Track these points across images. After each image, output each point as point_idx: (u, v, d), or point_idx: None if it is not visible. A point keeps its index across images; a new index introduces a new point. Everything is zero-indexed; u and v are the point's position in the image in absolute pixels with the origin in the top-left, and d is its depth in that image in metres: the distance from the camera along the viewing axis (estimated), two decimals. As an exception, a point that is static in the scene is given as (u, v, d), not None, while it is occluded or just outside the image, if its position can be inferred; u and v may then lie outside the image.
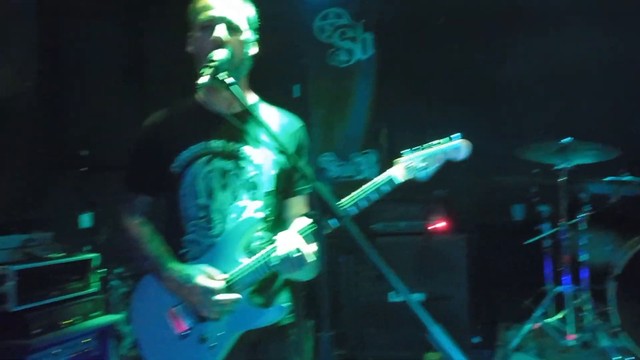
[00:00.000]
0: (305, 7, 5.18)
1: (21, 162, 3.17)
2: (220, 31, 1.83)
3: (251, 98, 2.00)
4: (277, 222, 1.95)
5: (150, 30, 4.89)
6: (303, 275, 1.79)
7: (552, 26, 4.70)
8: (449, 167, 5.27)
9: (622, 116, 4.46)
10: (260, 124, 1.68)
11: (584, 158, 3.80)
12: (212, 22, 1.84)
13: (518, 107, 4.79)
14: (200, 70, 1.74)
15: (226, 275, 1.80)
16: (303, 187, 2.00)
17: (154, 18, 4.85)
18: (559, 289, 3.73)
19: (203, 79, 1.71)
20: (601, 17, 4.53)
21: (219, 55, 1.78)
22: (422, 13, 5.00)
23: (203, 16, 1.86)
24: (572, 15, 4.61)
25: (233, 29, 1.86)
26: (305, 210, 1.97)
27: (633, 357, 3.28)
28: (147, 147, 1.95)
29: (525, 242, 4.08)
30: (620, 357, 3.26)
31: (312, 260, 1.73)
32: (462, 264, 4.28)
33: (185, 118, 1.95)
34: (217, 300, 1.76)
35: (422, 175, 1.78)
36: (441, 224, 4.43)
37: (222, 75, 1.74)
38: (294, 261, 1.71)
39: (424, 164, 1.77)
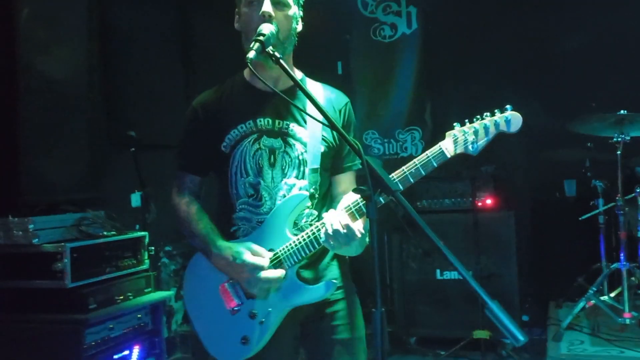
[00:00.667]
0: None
1: (76, 143, 3.24)
2: (267, 6, 1.82)
3: (297, 74, 1.98)
4: (325, 198, 1.96)
5: (196, 9, 4.90)
6: (351, 250, 1.78)
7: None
8: (497, 142, 5.14)
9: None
10: (309, 98, 1.65)
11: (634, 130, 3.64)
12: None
13: (569, 81, 4.60)
14: (247, 46, 1.74)
15: (272, 253, 1.82)
16: (352, 163, 1.99)
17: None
18: (614, 266, 3.61)
19: (251, 53, 1.70)
20: None
21: (267, 29, 1.76)
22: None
23: None
24: None
25: (279, 3, 1.85)
26: (353, 186, 1.96)
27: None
28: (195, 126, 1.95)
29: (581, 218, 3.95)
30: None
31: (359, 235, 1.72)
32: (511, 241, 4.20)
33: (233, 97, 1.95)
34: (263, 278, 1.77)
35: (473, 148, 1.72)
36: (489, 201, 4.34)
37: (271, 50, 1.72)
38: (342, 237, 1.71)
39: (474, 137, 1.71)
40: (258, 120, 1.89)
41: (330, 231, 1.71)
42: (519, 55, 4.76)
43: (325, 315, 1.91)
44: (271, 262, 1.81)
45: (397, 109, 5.10)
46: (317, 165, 1.90)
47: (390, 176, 1.74)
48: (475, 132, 1.71)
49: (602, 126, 3.67)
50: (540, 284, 4.54)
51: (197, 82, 4.69)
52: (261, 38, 1.73)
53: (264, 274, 1.78)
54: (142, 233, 3.09)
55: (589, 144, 3.98)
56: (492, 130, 1.71)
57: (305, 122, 1.91)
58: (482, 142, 1.71)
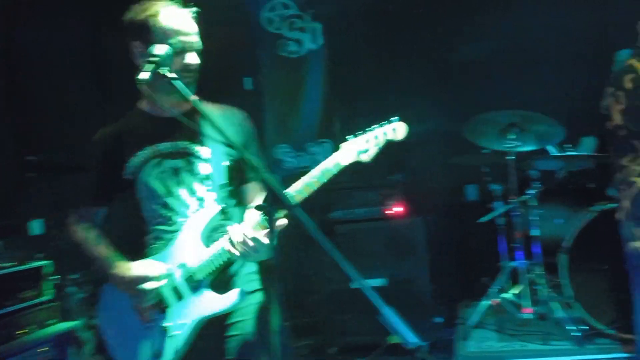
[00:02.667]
0: (251, -1, 5.15)
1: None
2: (194, 58, 1.93)
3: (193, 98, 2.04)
4: (237, 210, 2.02)
5: (111, 28, 4.77)
6: (262, 257, 1.86)
7: (504, 9, 4.79)
8: (404, 151, 5.31)
9: (570, 96, 4.57)
10: (206, 118, 1.69)
11: (530, 139, 3.91)
12: (185, 49, 1.91)
13: (470, 90, 4.86)
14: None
15: (168, 266, 1.88)
16: (254, 176, 2.06)
17: (117, 19, 4.74)
18: (513, 264, 3.84)
19: (143, 74, 1.70)
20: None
21: (160, 50, 1.77)
22: (374, 0, 5.03)
23: (175, 41, 1.89)
24: None
25: (200, 53, 1.96)
26: (261, 195, 2.02)
27: (587, 327, 3.40)
28: (95, 160, 2.01)
29: (479, 221, 4.16)
30: (574, 327, 3.37)
31: (264, 245, 1.80)
32: (421, 246, 4.35)
33: (132, 127, 2.02)
34: (149, 289, 1.85)
35: (365, 157, 1.86)
36: (398, 209, 4.49)
37: (164, 70, 1.74)
38: (249, 247, 1.80)
39: (366, 146, 1.85)
40: (158, 146, 1.97)
41: (236, 243, 1.80)
42: (421, 67, 4.98)
43: (239, 321, 1.94)
44: (183, 277, 1.87)
45: (308, 122, 5.18)
46: (224, 180, 1.96)
47: (289, 189, 1.84)
48: (367, 142, 1.85)
49: (495, 132, 3.89)
50: (451, 286, 4.73)
51: (114, 103, 4.57)
52: (155, 59, 1.74)
53: (148, 284, 1.84)
54: (42, 263, 2.96)
55: (485, 150, 4.20)
56: (381, 138, 1.85)
57: (209, 138, 1.96)
58: (373, 150, 1.85)
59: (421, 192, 4.86)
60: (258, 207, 1.82)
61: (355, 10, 5.01)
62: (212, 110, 2.03)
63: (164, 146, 1.96)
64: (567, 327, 3.39)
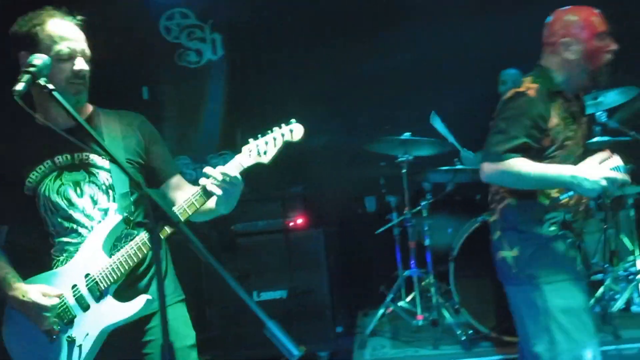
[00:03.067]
0: (150, 7, 5.03)
1: None
2: (83, 64, 1.92)
3: (88, 108, 2.06)
4: (143, 216, 2.02)
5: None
6: (236, 192, 1.96)
7: (406, 27, 4.98)
8: (304, 163, 5.35)
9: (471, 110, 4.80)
10: (89, 131, 1.66)
11: (422, 150, 4.10)
12: (73, 55, 1.91)
13: (370, 104, 5.02)
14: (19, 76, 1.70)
15: (72, 281, 1.88)
16: (170, 171, 2.10)
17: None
18: (406, 273, 3.99)
19: (19, 85, 1.65)
20: (456, 17, 4.84)
21: (38, 60, 1.71)
22: (274, 12, 5.07)
23: (62, 47, 1.89)
24: (428, 15, 4.89)
25: (88, 60, 1.96)
26: (184, 185, 2.09)
27: (472, 331, 3.59)
28: None
29: (377, 232, 4.29)
30: (460, 332, 3.55)
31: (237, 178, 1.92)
32: (321, 257, 4.41)
33: (28, 141, 1.98)
34: (45, 314, 1.85)
35: (265, 158, 1.93)
36: (300, 220, 4.54)
37: (42, 80, 1.68)
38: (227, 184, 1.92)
39: (265, 147, 1.92)
40: (56, 158, 1.95)
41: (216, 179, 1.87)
42: (325, 79, 5.06)
43: (142, 332, 1.97)
44: (88, 287, 1.87)
45: (208, 133, 5.13)
46: (126, 189, 1.96)
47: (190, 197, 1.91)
48: (266, 143, 1.92)
49: (390, 147, 4.05)
50: (350, 296, 4.84)
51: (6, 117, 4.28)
52: (32, 69, 1.68)
53: (42, 312, 1.84)
54: None
55: (382, 163, 4.35)
56: (280, 140, 1.92)
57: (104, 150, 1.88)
58: (272, 150, 1.93)
59: (321, 203, 4.95)
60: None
61: (256, 22, 5.04)
62: (109, 115, 2.05)
63: (62, 158, 1.95)
64: (457, 332, 3.57)
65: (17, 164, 1.93)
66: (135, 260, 1.88)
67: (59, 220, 1.92)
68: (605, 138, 3.92)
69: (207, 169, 1.91)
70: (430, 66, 4.84)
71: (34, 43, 1.87)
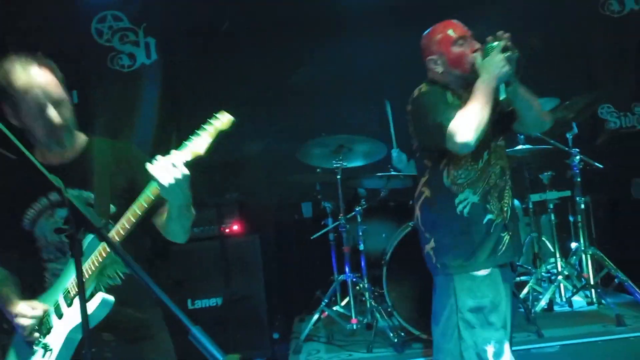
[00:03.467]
0: (81, 9, 4.89)
1: None
2: (53, 115, 1.89)
3: (81, 138, 2.07)
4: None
5: None
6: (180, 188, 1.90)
7: (344, 37, 5.07)
8: (240, 169, 5.31)
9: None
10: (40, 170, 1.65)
11: (357, 157, 4.18)
12: (43, 108, 1.87)
13: (306, 110, 5.07)
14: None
15: (46, 307, 1.96)
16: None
17: None
18: (341, 277, 4.03)
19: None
20: (384, 29, 4.99)
21: None
22: (210, 18, 5.04)
23: (30, 103, 1.87)
24: (358, 27, 5.03)
25: (58, 103, 1.92)
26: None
27: (404, 333, 3.67)
28: None
29: (312, 237, 4.32)
30: (393, 334, 3.62)
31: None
32: (258, 263, 4.40)
33: (25, 178, 1.91)
34: (28, 325, 1.94)
35: (201, 149, 1.91)
36: (236, 227, 4.52)
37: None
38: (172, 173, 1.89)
39: (201, 141, 1.92)
40: (50, 195, 1.98)
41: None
42: (261, 85, 5.10)
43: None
44: (62, 296, 1.93)
45: (142, 138, 5.01)
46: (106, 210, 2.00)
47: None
48: (199, 136, 1.91)
49: (324, 154, 4.09)
50: (288, 301, 4.85)
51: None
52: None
53: (23, 320, 1.93)
54: None
55: (318, 170, 4.39)
56: (211, 130, 1.91)
57: (93, 185, 2.00)
58: (206, 140, 1.92)
59: (258, 209, 4.94)
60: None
61: (192, 26, 5.00)
62: (103, 147, 2.09)
63: (55, 196, 1.97)
64: (389, 335, 3.63)
65: (16, 199, 1.98)
66: (95, 266, 1.90)
67: (52, 250, 1.99)
68: (528, 146, 4.13)
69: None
70: (367, 76, 4.95)
71: (7, 96, 1.89)
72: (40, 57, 1.95)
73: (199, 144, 1.90)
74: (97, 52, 4.98)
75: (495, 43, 2.27)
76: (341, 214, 4.04)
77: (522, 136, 4.13)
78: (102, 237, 1.56)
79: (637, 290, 3.83)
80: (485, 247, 2.34)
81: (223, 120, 1.95)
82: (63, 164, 1.98)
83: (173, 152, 1.90)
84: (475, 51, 2.37)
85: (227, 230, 4.49)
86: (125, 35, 5.02)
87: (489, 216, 2.35)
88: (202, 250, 4.34)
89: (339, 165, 3.98)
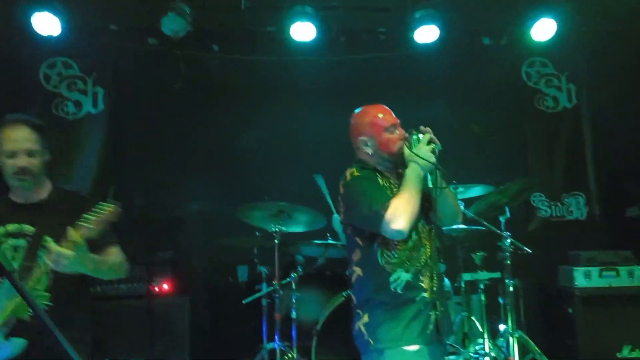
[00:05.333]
0: (31, 52, 4.85)
1: None
2: (23, 161, 2.52)
3: (47, 186, 2.67)
4: None
5: None
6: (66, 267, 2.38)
7: (289, 105, 5.19)
8: (175, 228, 5.22)
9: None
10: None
11: (297, 224, 4.18)
12: (15, 154, 2.52)
13: (249, 173, 5.09)
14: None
15: None
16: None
17: None
18: (269, 345, 3.94)
19: None
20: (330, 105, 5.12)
21: None
22: (160, 75, 5.09)
23: (7, 147, 2.52)
24: (307, 99, 5.20)
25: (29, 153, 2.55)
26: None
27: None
28: None
29: (244, 302, 4.23)
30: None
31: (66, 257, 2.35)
32: (184, 326, 4.30)
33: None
34: None
35: (91, 231, 2.32)
36: (166, 286, 4.39)
37: None
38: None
39: (92, 221, 2.32)
40: (7, 226, 2.53)
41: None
42: (205, 145, 5.12)
43: None
44: None
45: (80, 188, 4.87)
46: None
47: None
48: (92, 217, 2.35)
49: (263, 217, 4.09)
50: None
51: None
52: None
53: None
54: None
55: (257, 233, 4.36)
56: (96, 221, 2.35)
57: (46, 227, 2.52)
58: (95, 223, 2.34)
59: (192, 270, 4.83)
60: None
61: (142, 82, 5.03)
62: (65, 196, 2.68)
63: (12, 227, 2.54)
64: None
65: None
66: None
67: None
68: (463, 226, 4.25)
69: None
70: (309, 147, 5.06)
71: None
72: (31, 116, 2.57)
73: (91, 225, 2.29)
74: (43, 98, 4.91)
75: (421, 135, 2.45)
76: (275, 280, 3.99)
77: (457, 216, 4.25)
78: (11, 280, 1.54)
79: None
80: (417, 323, 2.39)
81: (109, 210, 2.34)
82: (27, 204, 2.58)
83: (52, 246, 2.31)
84: (403, 139, 2.51)
85: (156, 289, 4.35)
86: (74, 83, 4.98)
87: (422, 294, 2.41)
88: (130, 308, 4.20)
89: (277, 229, 3.97)
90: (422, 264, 2.45)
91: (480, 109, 5.56)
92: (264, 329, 4.29)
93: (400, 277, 2.40)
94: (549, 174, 5.60)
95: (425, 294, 2.42)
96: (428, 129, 2.49)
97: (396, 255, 2.41)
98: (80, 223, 2.31)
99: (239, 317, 4.72)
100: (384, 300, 2.41)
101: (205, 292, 4.87)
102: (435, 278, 2.49)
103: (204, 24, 4.97)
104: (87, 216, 2.32)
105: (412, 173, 2.43)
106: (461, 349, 4.17)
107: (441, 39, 5.31)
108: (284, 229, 4.03)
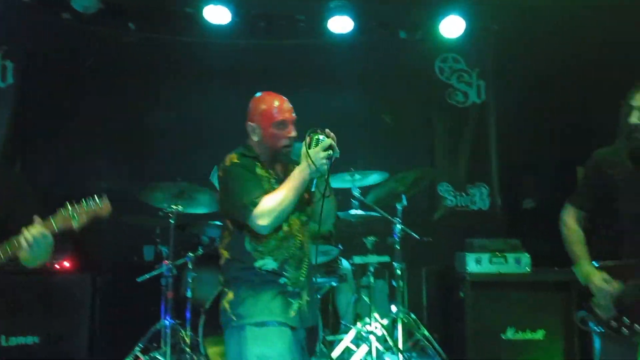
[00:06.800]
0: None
1: None
2: None
3: None
4: None
5: None
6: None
7: (200, 83, 5.22)
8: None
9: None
10: None
11: (199, 205, 4.26)
12: None
13: (155, 153, 5.12)
14: None
15: None
16: None
17: None
18: (162, 323, 4.02)
19: None
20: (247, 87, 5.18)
21: None
22: (72, 50, 5.04)
23: None
24: (217, 77, 5.24)
25: None
26: None
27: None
28: None
29: (138, 280, 4.28)
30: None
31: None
32: (85, 303, 4.32)
33: None
34: None
35: (75, 225, 2.31)
36: (66, 263, 4.40)
37: None
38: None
39: (77, 216, 2.33)
40: None
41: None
42: (113, 124, 5.10)
43: None
44: None
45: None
46: None
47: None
48: (78, 212, 2.32)
49: (165, 197, 4.14)
50: (111, 345, 4.69)
51: None
52: None
53: None
54: None
55: (160, 213, 4.40)
56: (91, 211, 2.32)
57: None
58: (83, 219, 2.34)
59: (98, 249, 4.84)
60: None
61: (54, 56, 4.97)
62: None
63: None
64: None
65: None
66: None
67: None
68: (360, 212, 4.43)
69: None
70: (216, 124, 5.11)
71: None
72: None
73: (77, 220, 2.24)
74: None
75: (322, 137, 2.44)
76: (169, 259, 4.07)
77: (356, 202, 4.43)
78: None
79: (437, 355, 4.15)
80: (278, 303, 2.48)
81: (104, 207, 2.29)
82: None
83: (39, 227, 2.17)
84: (290, 137, 2.54)
85: (56, 266, 4.36)
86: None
87: (283, 280, 2.50)
88: (29, 284, 4.17)
89: (173, 209, 4.04)
90: (290, 254, 2.52)
91: (393, 100, 5.75)
92: (162, 307, 4.36)
93: (266, 264, 2.48)
94: (455, 165, 5.86)
95: (288, 282, 2.50)
96: (332, 135, 2.46)
97: (264, 244, 2.48)
98: (64, 214, 2.20)
99: (142, 296, 4.77)
100: (249, 278, 2.49)
101: (110, 271, 4.90)
102: (303, 269, 2.56)
103: (121, 0, 4.96)
104: (74, 207, 2.22)
105: (298, 175, 2.44)
106: (351, 329, 4.36)
107: (357, 30, 5.47)
108: (181, 209, 4.09)
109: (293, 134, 2.56)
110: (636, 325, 2.52)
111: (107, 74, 5.10)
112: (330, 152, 2.42)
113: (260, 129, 2.55)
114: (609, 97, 2.69)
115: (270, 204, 2.40)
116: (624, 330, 2.55)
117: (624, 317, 2.55)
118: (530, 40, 5.54)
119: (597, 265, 2.64)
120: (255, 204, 2.39)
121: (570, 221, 2.79)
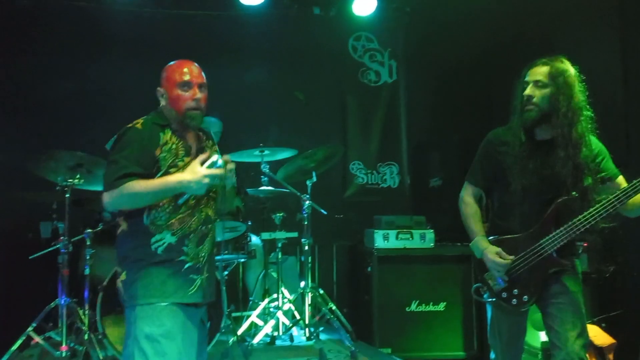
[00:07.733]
0: None
1: None
2: None
3: None
4: None
5: None
6: None
7: (105, 51, 4.96)
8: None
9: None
10: None
11: (99, 180, 4.05)
12: None
13: (54, 124, 4.83)
14: None
15: None
16: None
17: None
18: (57, 301, 3.83)
19: None
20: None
21: None
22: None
23: None
24: (122, 46, 5.03)
25: None
26: None
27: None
28: None
29: (30, 257, 4.05)
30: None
31: None
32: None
33: None
34: None
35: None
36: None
37: None
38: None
39: None
40: None
41: None
42: (9, 93, 4.76)
43: None
44: None
45: None
46: None
47: None
48: None
49: (60, 169, 3.91)
50: (8, 327, 4.42)
51: None
52: None
53: None
54: None
55: (57, 188, 4.15)
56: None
57: None
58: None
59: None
60: None
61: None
62: None
63: None
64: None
65: None
66: None
67: None
68: (270, 188, 4.39)
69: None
70: (120, 95, 4.91)
71: None
72: None
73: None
74: None
75: (221, 162, 2.38)
76: (64, 236, 3.86)
77: (265, 178, 4.39)
78: None
79: (343, 328, 4.22)
80: (173, 283, 2.41)
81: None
82: None
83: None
84: (196, 98, 2.47)
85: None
86: None
87: (182, 257, 2.43)
88: None
89: (70, 183, 3.83)
90: (192, 229, 2.46)
91: (306, 77, 5.73)
92: (60, 285, 4.14)
93: (164, 239, 2.41)
94: (367, 143, 5.95)
95: (187, 258, 2.44)
96: (233, 164, 2.49)
97: (163, 218, 2.41)
98: None
99: (39, 275, 4.53)
100: (141, 257, 2.41)
101: (4, 249, 4.60)
102: (205, 245, 2.51)
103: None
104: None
105: (173, 181, 2.37)
106: (259, 304, 4.35)
107: (270, 3, 5.38)
108: (77, 182, 3.88)
109: (198, 95, 2.50)
110: (525, 296, 2.66)
111: (2, 40, 4.73)
112: (217, 180, 2.40)
113: (166, 92, 2.51)
114: (513, 80, 2.78)
115: (129, 191, 2.33)
116: (514, 300, 2.68)
117: (514, 289, 2.67)
118: (441, 24, 5.69)
119: (491, 239, 2.73)
120: (121, 182, 2.31)
121: (468, 198, 2.88)
